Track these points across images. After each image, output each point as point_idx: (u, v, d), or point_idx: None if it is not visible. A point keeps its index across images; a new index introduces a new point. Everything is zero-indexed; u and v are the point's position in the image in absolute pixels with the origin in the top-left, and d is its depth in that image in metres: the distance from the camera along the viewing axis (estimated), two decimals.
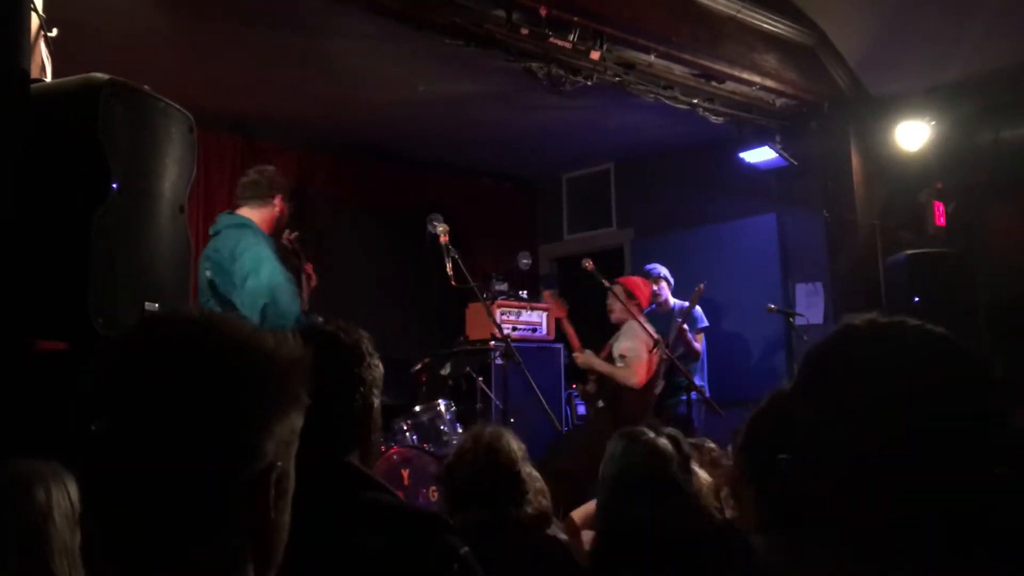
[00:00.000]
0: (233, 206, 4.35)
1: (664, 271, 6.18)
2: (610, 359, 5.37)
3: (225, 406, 0.89)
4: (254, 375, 0.92)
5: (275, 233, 4.32)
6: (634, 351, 5.16)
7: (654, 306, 5.99)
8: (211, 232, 4.23)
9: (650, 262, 6.46)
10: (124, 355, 0.94)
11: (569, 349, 5.90)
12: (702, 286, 6.01)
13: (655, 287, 6.11)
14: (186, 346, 0.92)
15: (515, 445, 2.40)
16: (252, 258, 3.95)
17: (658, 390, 5.97)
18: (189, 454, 0.87)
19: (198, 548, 0.88)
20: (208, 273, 4.02)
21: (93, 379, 0.92)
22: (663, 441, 2.76)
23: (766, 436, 1.81)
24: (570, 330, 5.90)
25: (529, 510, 2.28)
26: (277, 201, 4.27)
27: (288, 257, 4.60)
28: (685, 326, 5.86)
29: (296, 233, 4.67)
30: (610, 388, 5.24)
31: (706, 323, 6.22)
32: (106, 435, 0.89)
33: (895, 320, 1.03)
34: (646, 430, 2.82)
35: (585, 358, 5.52)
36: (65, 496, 1.61)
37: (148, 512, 0.87)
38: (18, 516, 1.55)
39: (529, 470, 2.38)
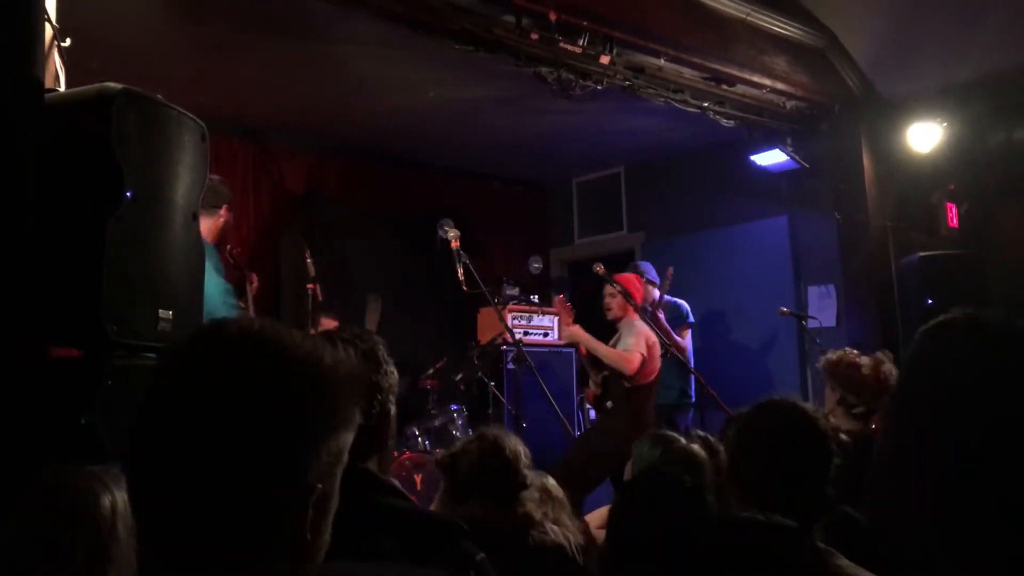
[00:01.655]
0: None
1: (651, 274, 6.14)
2: None
3: (272, 427, 0.88)
4: (307, 397, 0.90)
5: (219, 243, 4.32)
6: (632, 345, 5.13)
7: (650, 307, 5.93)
8: None
9: (662, 265, 6.44)
10: (178, 365, 0.94)
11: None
12: (671, 270, 5.98)
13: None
14: (240, 362, 0.91)
15: (521, 448, 2.41)
16: None
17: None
18: (230, 472, 0.86)
19: (234, 564, 0.87)
20: None
21: (147, 387, 0.92)
22: (696, 447, 2.76)
23: (754, 436, 1.87)
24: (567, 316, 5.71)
25: (520, 511, 2.28)
26: (223, 211, 4.26)
27: (230, 271, 4.63)
28: (660, 314, 5.84)
29: (238, 250, 4.70)
30: (617, 390, 5.22)
31: (692, 319, 6.17)
32: (153, 446, 0.89)
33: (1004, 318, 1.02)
34: (677, 436, 2.82)
35: (573, 330, 5.39)
36: (122, 499, 1.63)
37: (187, 524, 0.87)
38: (92, 526, 1.58)
39: (529, 474, 2.39)
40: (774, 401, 2.02)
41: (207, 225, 4.19)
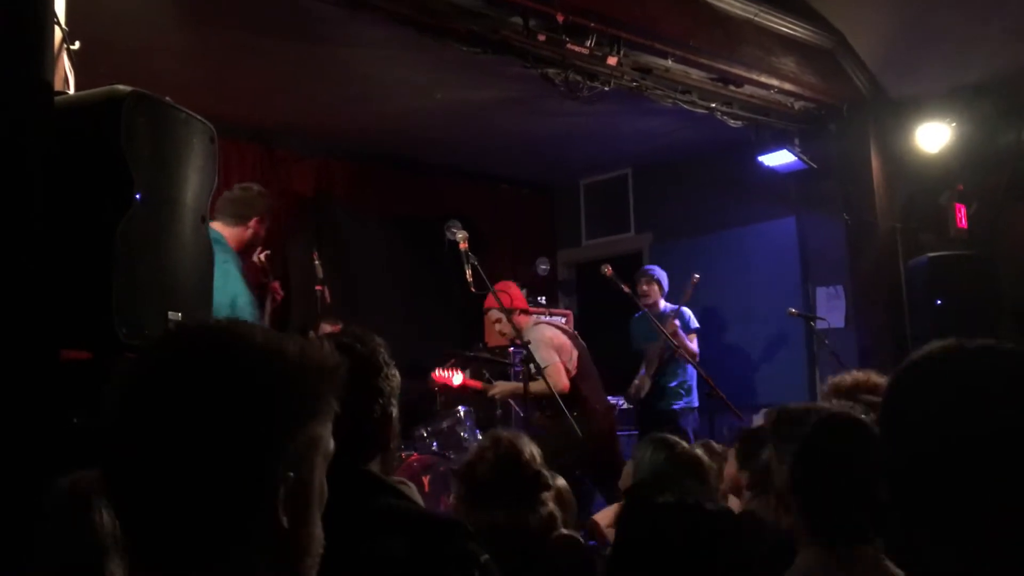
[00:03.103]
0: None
1: (660, 274, 6.11)
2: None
3: (233, 418, 0.89)
4: (268, 387, 0.91)
5: (245, 253, 4.31)
6: (545, 359, 4.86)
7: (644, 310, 5.83)
8: None
9: (670, 267, 6.43)
10: (142, 364, 0.96)
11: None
12: (696, 277, 5.95)
13: (644, 287, 6.04)
14: (199, 358, 0.93)
15: (533, 449, 2.41)
16: (219, 275, 3.95)
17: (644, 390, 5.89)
18: (194, 465, 0.88)
19: (208, 556, 0.89)
20: None
21: (118, 386, 0.94)
22: (700, 452, 2.75)
23: (821, 452, 1.79)
24: (470, 382, 5.60)
25: (544, 512, 2.28)
26: (252, 224, 4.22)
27: (257, 275, 4.62)
28: (676, 321, 5.83)
29: (268, 252, 4.69)
30: (544, 402, 4.94)
31: (697, 325, 6.15)
32: (121, 443, 0.91)
33: (988, 345, 1.08)
34: (679, 440, 2.80)
35: (498, 388, 5.30)
36: None
37: (158, 519, 0.89)
38: (97, 524, 1.62)
39: (546, 473, 2.39)
40: (833, 417, 1.88)
41: (234, 233, 4.16)
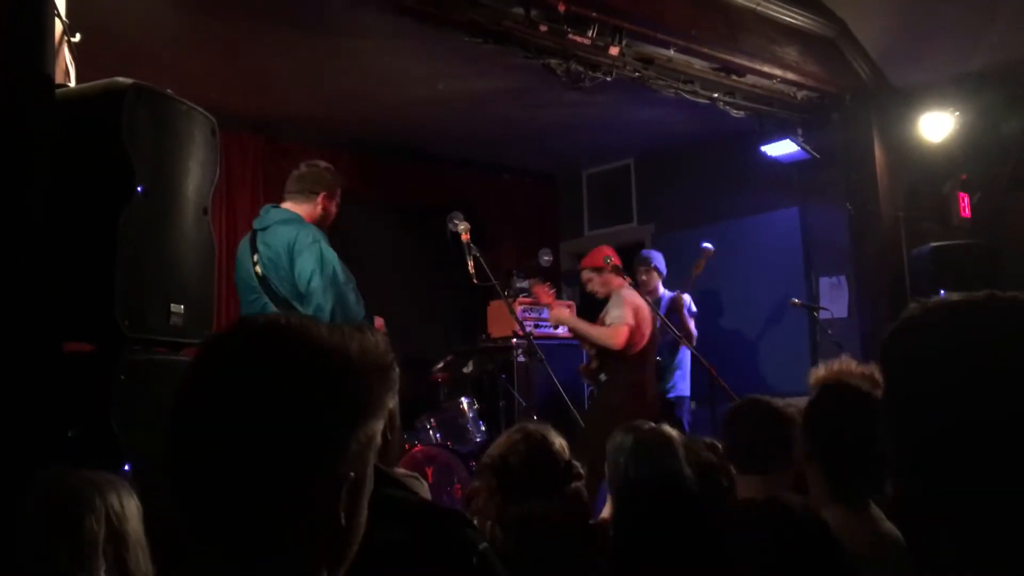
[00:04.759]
0: (279, 199, 4.24)
1: (658, 261, 6.08)
2: None
3: (300, 418, 0.90)
4: (334, 387, 0.92)
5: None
6: (618, 317, 5.07)
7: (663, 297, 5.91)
8: (257, 226, 4.10)
9: (672, 257, 6.42)
10: (207, 359, 0.96)
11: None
12: (710, 248, 5.94)
13: (643, 276, 6.04)
14: (267, 354, 0.93)
15: (562, 440, 2.42)
16: (314, 256, 3.86)
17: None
18: (260, 463, 0.88)
19: (270, 549, 0.89)
20: (259, 269, 3.94)
21: (181, 385, 0.94)
22: (667, 428, 2.75)
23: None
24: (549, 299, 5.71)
25: (577, 499, 2.30)
26: (320, 200, 4.16)
27: None
28: (687, 300, 5.85)
29: None
30: (610, 362, 5.16)
31: (693, 310, 6.11)
32: (186, 437, 0.92)
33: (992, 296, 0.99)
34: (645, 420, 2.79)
35: (558, 312, 5.42)
36: (132, 499, 1.74)
37: (220, 512, 0.90)
38: (96, 516, 1.67)
39: (576, 463, 2.40)
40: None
41: (306, 211, 4.12)
